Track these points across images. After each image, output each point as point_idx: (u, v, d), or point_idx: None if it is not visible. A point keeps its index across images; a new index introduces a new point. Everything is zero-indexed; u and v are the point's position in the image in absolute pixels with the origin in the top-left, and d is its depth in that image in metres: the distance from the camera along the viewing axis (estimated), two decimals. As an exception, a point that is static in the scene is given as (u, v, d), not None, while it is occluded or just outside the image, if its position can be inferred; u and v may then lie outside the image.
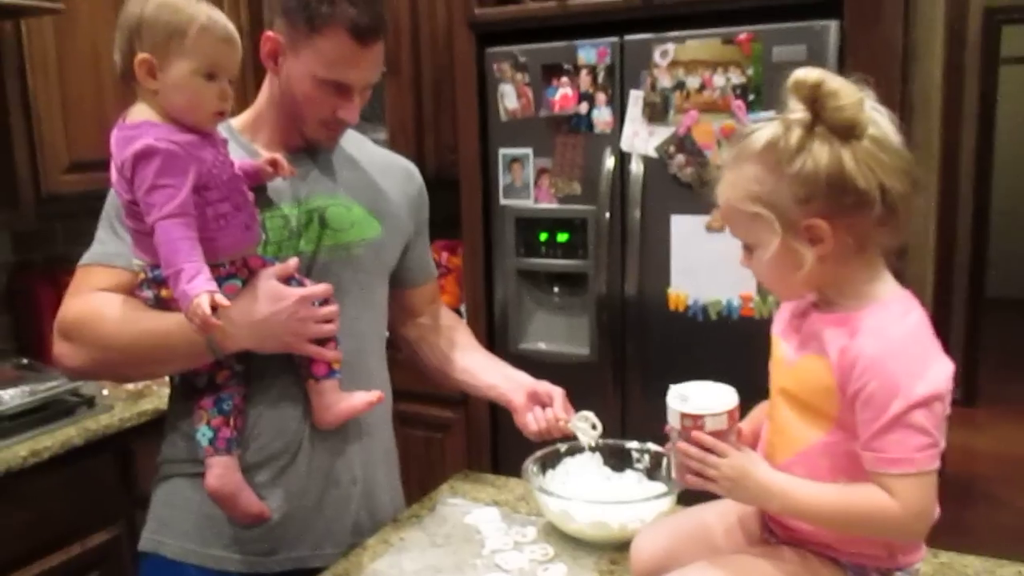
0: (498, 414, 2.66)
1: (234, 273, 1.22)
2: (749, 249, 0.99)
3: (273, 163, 1.28)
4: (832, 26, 2.08)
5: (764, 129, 0.94)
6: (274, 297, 1.22)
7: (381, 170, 1.47)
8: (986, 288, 4.94)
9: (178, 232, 1.11)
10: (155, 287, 1.21)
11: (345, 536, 1.37)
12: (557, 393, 1.45)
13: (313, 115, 1.31)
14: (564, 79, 2.37)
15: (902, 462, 0.89)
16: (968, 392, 4.71)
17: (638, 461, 1.45)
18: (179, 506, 1.34)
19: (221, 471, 1.25)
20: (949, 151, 3.37)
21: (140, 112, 1.17)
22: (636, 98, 2.29)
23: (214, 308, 1.08)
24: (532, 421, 1.42)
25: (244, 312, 1.20)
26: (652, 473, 1.43)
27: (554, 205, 2.45)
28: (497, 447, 2.68)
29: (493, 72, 2.47)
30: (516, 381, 1.50)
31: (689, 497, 1.23)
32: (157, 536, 1.35)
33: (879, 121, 0.92)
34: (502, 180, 2.51)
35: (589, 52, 2.33)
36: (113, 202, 1.29)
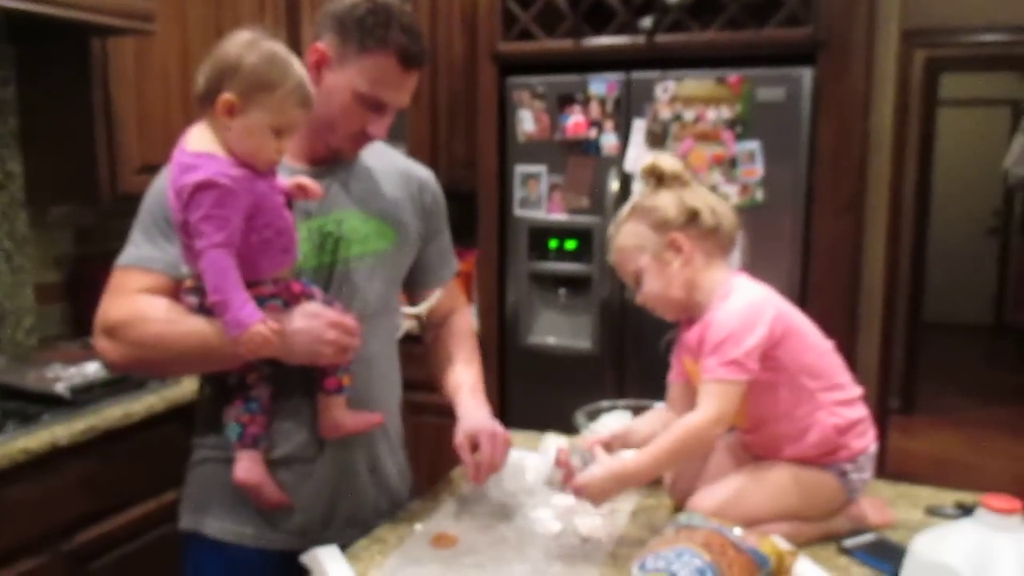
0: (507, 400, 2.98)
1: (276, 294, 1.31)
2: (639, 282, 1.39)
3: (302, 187, 1.34)
4: (807, 73, 2.49)
5: (628, 204, 1.42)
6: (311, 314, 1.31)
7: (397, 180, 1.53)
8: (924, 313, 5.44)
9: (225, 262, 1.21)
10: (201, 295, 1.29)
11: (368, 519, 1.48)
12: (484, 438, 1.43)
13: (345, 128, 1.39)
14: (577, 107, 2.73)
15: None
16: (907, 402, 5.22)
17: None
18: (214, 488, 1.44)
19: (248, 464, 1.36)
20: (895, 187, 3.77)
21: (201, 138, 1.24)
22: (639, 127, 2.65)
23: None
24: (470, 470, 1.43)
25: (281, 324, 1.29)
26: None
27: (564, 216, 2.80)
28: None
29: (512, 99, 2.82)
30: (464, 418, 1.51)
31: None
32: (196, 516, 1.46)
33: (702, 187, 1.41)
34: (518, 194, 2.86)
35: (600, 85, 2.69)
36: (154, 210, 1.37)
